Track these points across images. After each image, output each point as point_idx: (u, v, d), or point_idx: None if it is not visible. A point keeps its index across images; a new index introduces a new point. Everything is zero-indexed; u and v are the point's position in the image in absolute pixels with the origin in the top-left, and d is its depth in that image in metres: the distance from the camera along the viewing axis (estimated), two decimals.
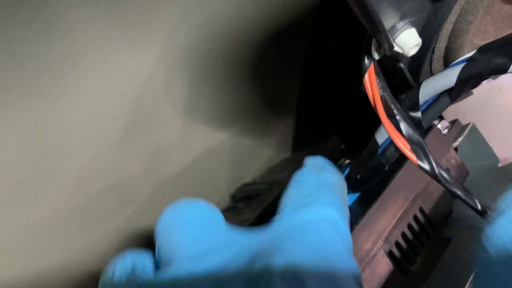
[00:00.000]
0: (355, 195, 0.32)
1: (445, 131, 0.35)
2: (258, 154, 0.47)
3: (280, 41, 0.41)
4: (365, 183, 0.31)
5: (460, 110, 0.38)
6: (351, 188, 0.32)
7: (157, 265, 0.23)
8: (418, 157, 0.22)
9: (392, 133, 0.23)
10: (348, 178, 0.32)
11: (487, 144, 0.37)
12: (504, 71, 0.24)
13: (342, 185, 0.25)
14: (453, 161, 0.35)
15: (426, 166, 0.22)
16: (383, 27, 0.21)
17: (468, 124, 0.37)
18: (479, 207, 0.24)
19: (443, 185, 0.23)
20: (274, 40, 0.40)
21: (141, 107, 0.32)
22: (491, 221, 0.20)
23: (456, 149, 0.36)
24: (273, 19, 0.37)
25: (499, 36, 0.33)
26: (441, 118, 0.36)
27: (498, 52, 0.24)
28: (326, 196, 0.23)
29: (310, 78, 0.47)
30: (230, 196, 0.48)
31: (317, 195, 0.23)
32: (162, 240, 0.22)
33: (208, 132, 0.41)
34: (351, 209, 0.31)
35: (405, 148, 0.23)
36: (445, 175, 0.23)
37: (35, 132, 0.26)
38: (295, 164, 0.48)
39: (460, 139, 0.36)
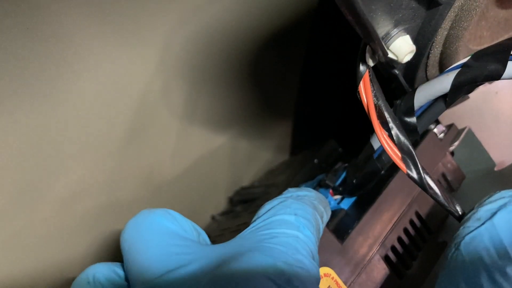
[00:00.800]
0: (352, 199, 0.33)
1: (441, 135, 0.35)
2: (256, 158, 0.48)
3: (277, 45, 0.41)
4: (361, 187, 0.31)
5: (456, 114, 0.38)
6: (347, 193, 0.32)
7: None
8: (407, 166, 0.23)
9: (384, 141, 0.23)
10: (344, 183, 0.33)
11: (483, 148, 0.37)
12: (498, 77, 0.24)
13: (318, 197, 0.27)
14: (449, 165, 0.35)
15: (414, 175, 0.23)
16: (377, 35, 0.21)
17: (464, 129, 0.37)
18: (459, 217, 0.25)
19: (430, 196, 0.23)
20: (271, 45, 0.40)
21: (139, 113, 0.32)
22: (470, 227, 0.21)
23: (452, 153, 0.36)
24: (270, 24, 0.38)
25: (495, 41, 0.33)
26: (437, 122, 0.36)
27: (492, 58, 0.24)
28: (292, 207, 0.25)
29: (307, 82, 0.48)
30: (228, 199, 0.48)
31: (284, 206, 0.25)
32: (127, 260, 0.23)
33: (206, 136, 0.41)
34: (347, 213, 0.32)
35: (396, 157, 0.23)
36: (432, 185, 0.23)
37: (32, 139, 0.27)
38: (292, 167, 0.48)
39: (456, 143, 0.36)
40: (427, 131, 0.35)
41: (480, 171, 0.36)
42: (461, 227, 0.23)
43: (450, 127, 0.36)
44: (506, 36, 0.34)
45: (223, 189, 0.45)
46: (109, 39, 0.27)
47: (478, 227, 0.21)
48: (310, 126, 0.51)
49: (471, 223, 0.22)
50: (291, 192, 0.27)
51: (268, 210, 0.25)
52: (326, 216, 0.27)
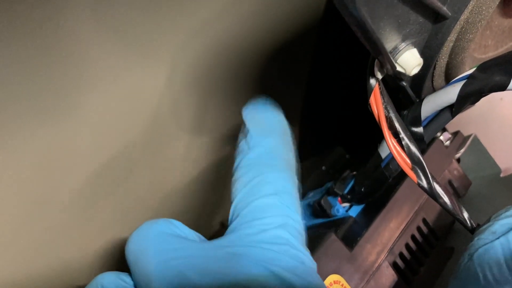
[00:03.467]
0: (360, 207, 0.33)
1: (447, 142, 0.36)
2: None
3: (284, 55, 0.41)
4: (369, 195, 0.32)
5: (462, 121, 0.38)
6: (356, 200, 0.33)
7: None
8: (418, 176, 0.23)
9: (395, 152, 0.24)
10: (352, 190, 0.33)
11: (489, 155, 0.37)
12: (503, 88, 0.24)
13: (284, 142, 0.27)
14: (455, 172, 0.36)
15: (425, 185, 0.23)
16: (385, 50, 0.22)
17: (470, 135, 0.37)
18: (470, 227, 0.25)
19: (440, 205, 0.24)
20: (278, 54, 0.40)
21: (150, 126, 0.33)
22: (485, 240, 0.22)
23: (458, 160, 0.37)
24: (277, 36, 0.38)
25: (499, 49, 0.34)
26: (443, 130, 0.37)
27: (497, 70, 0.25)
28: (271, 181, 0.24)
29: (314, 90, 0.48)
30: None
31: (262, 182, 0.24)
32: (134, 272, 0.24)
33: (214, 146, 0.41)
34: (355, 221, 0.32)
35: (407, 167, 0.23)
36: (442, 195, 0.24)
37: (46, 149, 0.27)
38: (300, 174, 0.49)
39: (462, 150, 0.36)
40: (433, 139, 0.36)
41: (486, 178, 0.37)
42: (476, 238, 0.23)
43: (456, 134, 0.37)
44: (510, 44, 0.34)
45: (230, 197, 0.45)
46: (122, 55, 0.27)
47: (493, 240, 0.22)
48: (317, 133, 0.52)
49: (486, 235, 0.22)
50: (257, 140, 0.26)
51: (246, 186, 0.25)
52: (294, 158, 0.27)
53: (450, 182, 0.35)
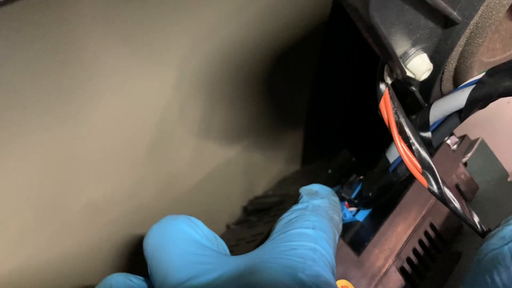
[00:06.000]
0: (367, 211, 0.33)
1: (455, 146, 0.36)
2: (269, 167, 0.48)
3: (290, 57, 0.41)
4: (376, 200, 0.32)
5: (469, 125, 0.38)
6: (363, 205, 0.33)
7: None
8: (428, 182, 0.23)
9: (405, 157, 0.24)
10: (360, 195, 0.33)
11: (496, 159, 0.37)
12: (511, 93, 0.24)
13: (332, 206, 0.28)
14: (462, 176, 0.36)
15: (435, 190, 0.23)
16: (396, 56, 0.22)
17: (477, 139, 0.37)
18: (481, 231, 0.25)
19: (451, 210, 0.24)
20: (284, 57, 0.40)
21: (158, 129, 0.33)
22: (494, 245, 0.22)
23: (465, 164, 0.37)
24: (283, 39, 0.38)
25: (507, 52, 0.34)
26: (450, 134, 0.36)
27: (506, 75, 0.25)
28: (311, 220, 0.25)
29: (320, 92, 0.48)
30: (242, 209, 0.49)
31: (302, 219, 0.26)
32: (151, 265, 0.24)
33: (220, 148, 0.41)
34: (362, 225, 0.32)
35: (417, 172, 0.23)
36: (453, 199, 0.24)
37: (55, 157, 0.28)
38: (306, 177, 0.49)
39: (469, 154, 0.36)
40: (441, 143, 0.35)
41: (494, 181, 0.37)
42: (485, 243, 0.23)
43: (463, 138, 0.37)
44: None
45: (237, 199, 0.46)
46: (129, 60, 0.27)
47: (502, 246, 0.22)
48: (323, 136, 0.52)
49: (494, 241, 0.22)
50: (306, 198, 0.28)
51: (287, 222, 0.26)
52: (341, 225, 0.28)
53: (457, 186, 0.35)
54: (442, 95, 0.31)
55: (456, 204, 0.24)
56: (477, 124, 0.38)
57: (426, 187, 0.23)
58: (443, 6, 0.23)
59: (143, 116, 0.31)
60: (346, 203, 0.34)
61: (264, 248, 0.24)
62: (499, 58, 0.33)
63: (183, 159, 0.38)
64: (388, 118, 0.24)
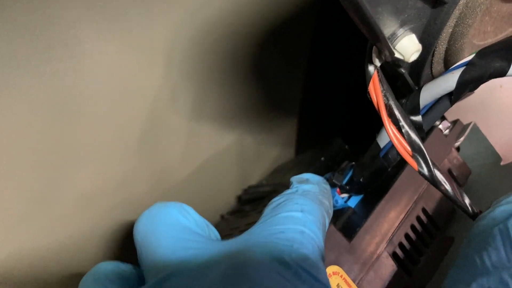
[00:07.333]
0: (358, 197, 0.33)
1: (447, 131, 0.36)
2: (263, 156, 0.48)
3: (283, 43, 0.41)
4: (368, 186, 0.32)
5: (461, 109, 0.38)
6: (354, 191, 0.32)
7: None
8: (419, 164, 0.23)
9: (395, 140, 0.23)
10: (351, 181, 0.33)
11: (489, 143, 0.37)
12: (502, 74, 0.24)
13: (323, 192, 0.28)
14: (455, 161, 0.35)
15: (426, 172, 0.23)
16: (383, 36, 0.21)
17: (469, 124, 0.37)
18: (471, 213, 0.25)
19: (442, 192, 0.23)
20: (276, 43, 0.40)
21: (150, 117, 0.33)
22: (484, 226, 0.22)
23: (458, 148, 0.36)
24: (275, 22, 0.38)
25: (498, 35, 0.33)
26: (442, 118, 0.36)
27: (496, 56, 0.24)
28: (299, 203, 0.25)
29: (313, 80, 0.48)
30: (237, 198, 0.48)
31: (291, 202, 0.26)
32: (141, 251, 0.25)
33: (213, 137, 0.41)
34: (354, 211, 0.32)
35: (407, 155, 0.23)
36: (443, 182, 0.23)
37: (45, 148, 0.27)
38: (299, 165, 0.49)
39: (461, 138, 0.36)
40: (433, 128, 0.35)
41: (486, 166, 0.37)
42: (475, 225, 0.23)
43: (455, 122, 0.36)
44: (510, 30, 0.34)
45: (231, 188, 0.45)
46: (118, 46, 0.27)
47: (492, 227, 0.22)
48: (316, 124, 0.51)
49: (485, 222, 0.22)
50: (296, 185, 0.28)
51: (276, 206, 0.26)
52: (331, 210, 0.28)
53: (450, 171, 0.35)
54: (433, 77, 0.31)
55: (447, 187, 0.24)
56: (469, 109, 0.38)
57: (417, 169, 0.23)
58: None
59: (134, 104, 0.31)
60: (338, 189, 0.33)
61: (252, 231, 0.24)
62: (490, 41, 0.33)
63: (176, 149, 0.37)
64: (377, 101, 0.24)
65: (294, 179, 0.30)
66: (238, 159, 0.45)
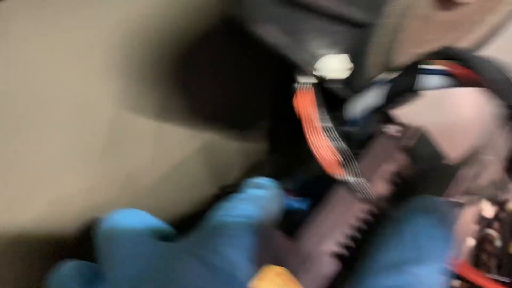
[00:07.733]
0: (307, 200, 0.35)
1: (396, 134, 0.37)
2: (236, 157, 0.49)
3: (251, 41, 0.42)
4: (316, 188, 0.34)
5: (412, 111, 0.39)
6: (301, 194, 0.35)
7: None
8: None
9: (315, 151, 0.26)
10: (299, 184, 0.35)
11: (439, 145, 0.38)
12: (410, 89, 0.26)
13: (272, 196, 0.31)
14: (403, 163, 0.37)
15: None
16: (298, 63, 0.24)
17: (419, 127, 0.38)
18: None
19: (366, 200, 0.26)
20: (243, 39, 0.40)
21: (110, 122, 0.34)
22: None
23: (407, 151, 0.37)
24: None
25: (439, 44, 0.35)
26: (391, 122, 0.37)
27: (409, 72, 0.26)
28: (241, 208, 0.28)
29: (283, 77, 0.48)
30: (214, 198, 0.50)
31: (237, 207, 0.29)
32: (98, 258, 0.27)
33: (182, 140, 0.42)
34: (303, 213, 0.34)
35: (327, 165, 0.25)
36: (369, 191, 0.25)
37: (12, 161, 0.30)
38: (273, 165, 0.50)
39: (411, 142, 0.37)
40: (382, 131, 0.36)
41: (438, 169, 0.38)
42: None
43: (404, 125, 0.37)
44: (450, 36, 0.35)
45: (205, 191, 0.47)
46: (62, 44, 0.28)
47: None
48: (289, 125, 0.52)
49: None
50: (247, 189, 0.31)
51: (219, 208, 0.29)
52: (279, 214, 0.31)
53: (398, 174, 0.36)
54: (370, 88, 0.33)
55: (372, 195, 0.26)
56: (419, 112, 0.39)
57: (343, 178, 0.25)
58: (341, 12, 0.24)
59: (88, 109, 0.32)
60: (292, 193, 0.35)
61: (190, 239, 0.27)
62: (431, 48, 0.34)
63: (144, 153, 0.39)
64: (302, 113, 0.26)
65: (247, 183, 0.32)
66: (210, 162, 0.46)
